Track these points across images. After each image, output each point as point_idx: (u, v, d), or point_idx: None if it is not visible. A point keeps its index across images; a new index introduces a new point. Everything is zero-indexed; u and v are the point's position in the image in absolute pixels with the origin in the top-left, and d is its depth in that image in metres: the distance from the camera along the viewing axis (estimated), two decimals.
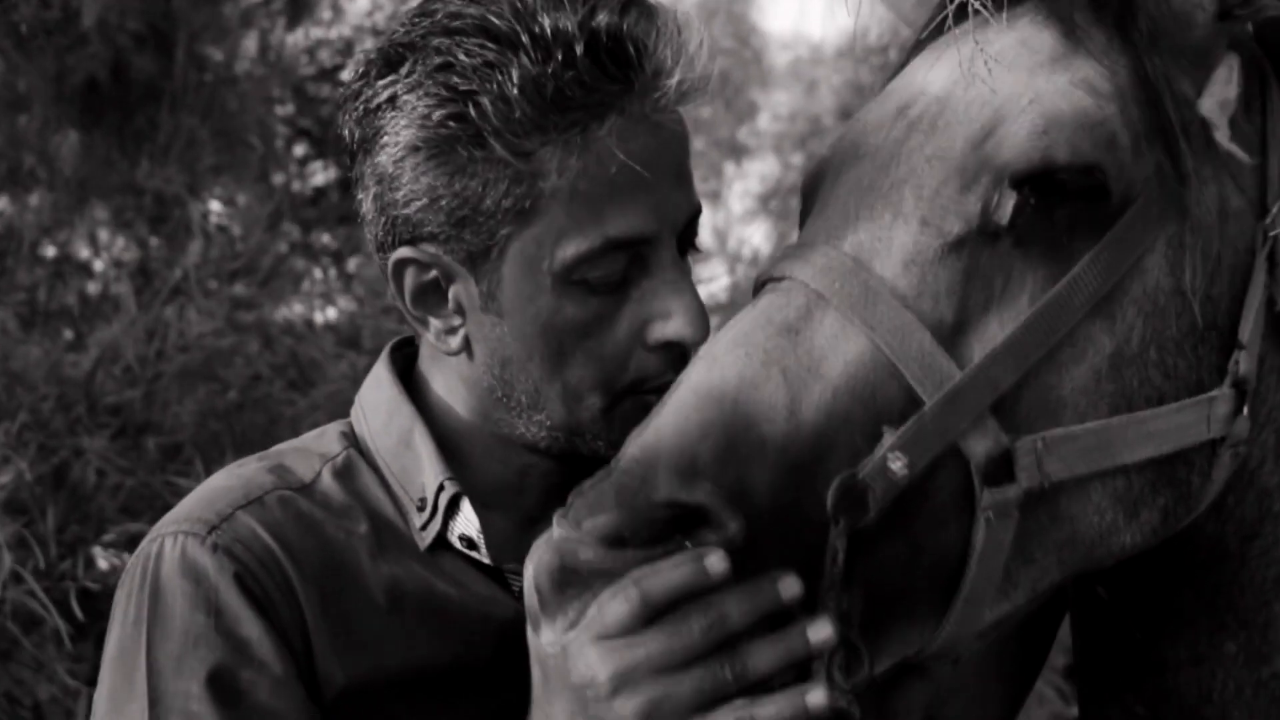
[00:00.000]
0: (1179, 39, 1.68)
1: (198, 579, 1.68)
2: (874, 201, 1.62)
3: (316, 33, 7.76)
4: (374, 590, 1.75)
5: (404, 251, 1.77)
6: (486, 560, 1.79)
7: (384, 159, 1.75)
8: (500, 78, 1.66)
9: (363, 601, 1.74)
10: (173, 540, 1.72)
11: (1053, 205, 1.59)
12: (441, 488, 1.78)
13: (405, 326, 1.94)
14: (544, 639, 1.49)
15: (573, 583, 1.45)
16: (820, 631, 1.43)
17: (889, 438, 1.49)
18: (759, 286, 1.67)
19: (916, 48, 1.82)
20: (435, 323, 1.80)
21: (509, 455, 1.81)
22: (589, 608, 1.44)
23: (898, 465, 1.48)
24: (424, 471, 1.80)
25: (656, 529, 1.45)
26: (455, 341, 1.79)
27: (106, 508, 4.86)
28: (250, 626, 1.67)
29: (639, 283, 1.74)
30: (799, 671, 1.46)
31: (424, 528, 1.80)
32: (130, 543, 4.62)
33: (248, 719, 1.64)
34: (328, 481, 1.82)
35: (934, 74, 1.72)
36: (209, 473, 1.96)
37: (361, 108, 1.78)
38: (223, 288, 5.97)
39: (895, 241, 1.58)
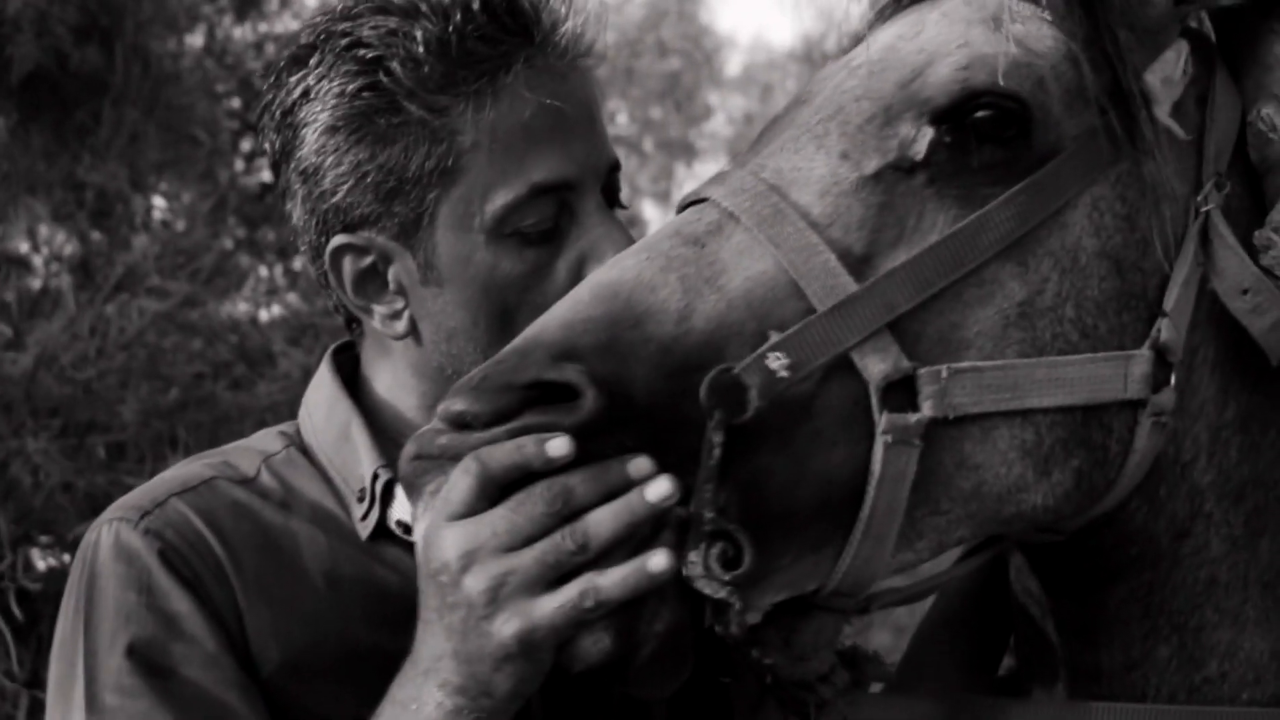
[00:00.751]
0: (1136, 16, 1.71)
1: (129, 560, 1.71)
2: (800, 135, 1.65)
3: (264, 26, 7.69)
4: (312, 573, 1.77)
5: (339, 239, 1.79)
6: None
7: (306, 152, 1.78)
8: (406, 42, 1.72)
9: (300, 583, 1.76)
10: (108, 527, 1.75)
11: (970, 146, 1.61)
12: (376, 475, 1.79)
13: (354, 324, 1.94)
14: (415, 535, 1.50)
15: (429, 469, 1.46)
16: (658, 488, 1.40)
17: (773, 339, 1.49)
18: (681, 208, 1.67)
19: (879, 17, 1.85)
20: (379, 309, 1.82)
21: None
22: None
23: (778, 364, 1.47)
24: (361, 463, 1.82)
25: (504, 409, 1.43)
26: (400, 325, 1.81)
27: (47, 508, 4.78)
28: (180, 602, 1.69)
29: (570, 232, 1.77)
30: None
31: (364, 517, 1.81)
32: (76, 545, 4.54)
33: (179, 691, 1.66)
34: (267, 476, 1.84)
35: (884, 31, 1.77)
36: (157, 472, 1.95)
37: (278, 112, 1.82)
38: (166, 284, 5.88)
39: (814, 172, 1.60)
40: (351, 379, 1.92)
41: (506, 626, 1.40)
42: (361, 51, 1.74)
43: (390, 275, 1.80)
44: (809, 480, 1.51)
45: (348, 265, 1.80)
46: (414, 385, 1.85)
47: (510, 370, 1.45)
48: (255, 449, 1.89)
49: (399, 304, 1.80)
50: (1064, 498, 1.65)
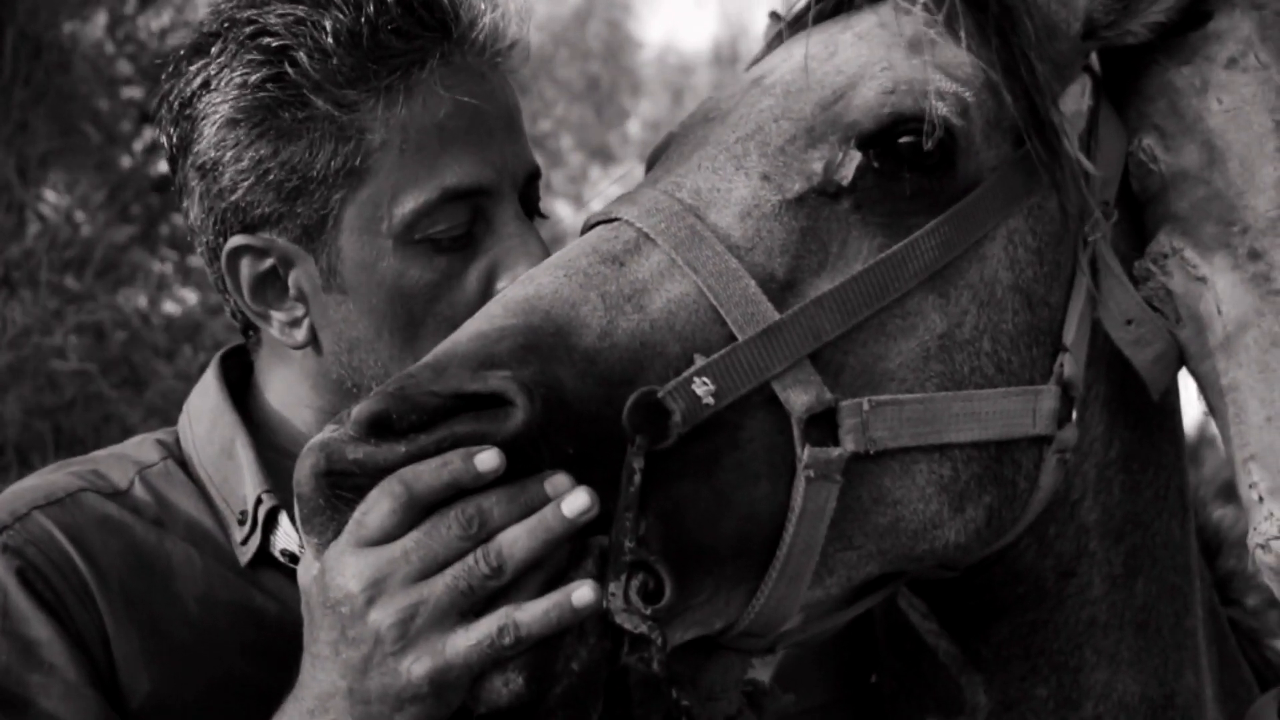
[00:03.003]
0: (1047, 48, 1.71)
1: None
2: (717, 154, 1.60)
3: (170, 15, 7.50)
4: (185, 599, 1.65)
5: (237, 240, 1.68)
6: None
7: (204, 146, 1.67)
8: (315, 32, 1.63)
9: (173, 608, 1.64)
10: None
11: (896, 172, 1.58)
12: (260, 500, 1.68)
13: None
14: (306, 562, 1.39)
15: (340, 486, 1.34)
16: (574, 502, 1.31)
17: (699, 362, 1.43)
18: (586, 229, 1.61)
19: (778, 38, 1.83)
20: (277, 315, 1.71)
21: None
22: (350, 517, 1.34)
23: (703, 390, 1.41)
24: (244, 483, 1.70)
25: (427, 416, 1.33)
26: (300, 334, 1.70)
27: None
28: (40, 628, 1.56)
29: (484, 240, 1.68)
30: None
31: (244, 542, 1.69)
32: None
33: None
34: (140, 491, 1.71)
35: (793, 50, 1.73)
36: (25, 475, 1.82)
37: (176, 103, 1.70)
38: (55, 279, 5.71)
39: (734, 193, 1.56)
40: (240, 386, 1.81)
41: (417, 665, 1.29)
42: (267, 40, 1.64)
43: (291, 280, 1.69)
44: (729, 513, 1.45)
45: (245, 268, 1.69)
46: (310, 399, 1.74)
47: (428, 382, 1.35)
48: (130, 458, 1.75)
49: (298, 311, 1.70)
50: (975, 535, 1.63)
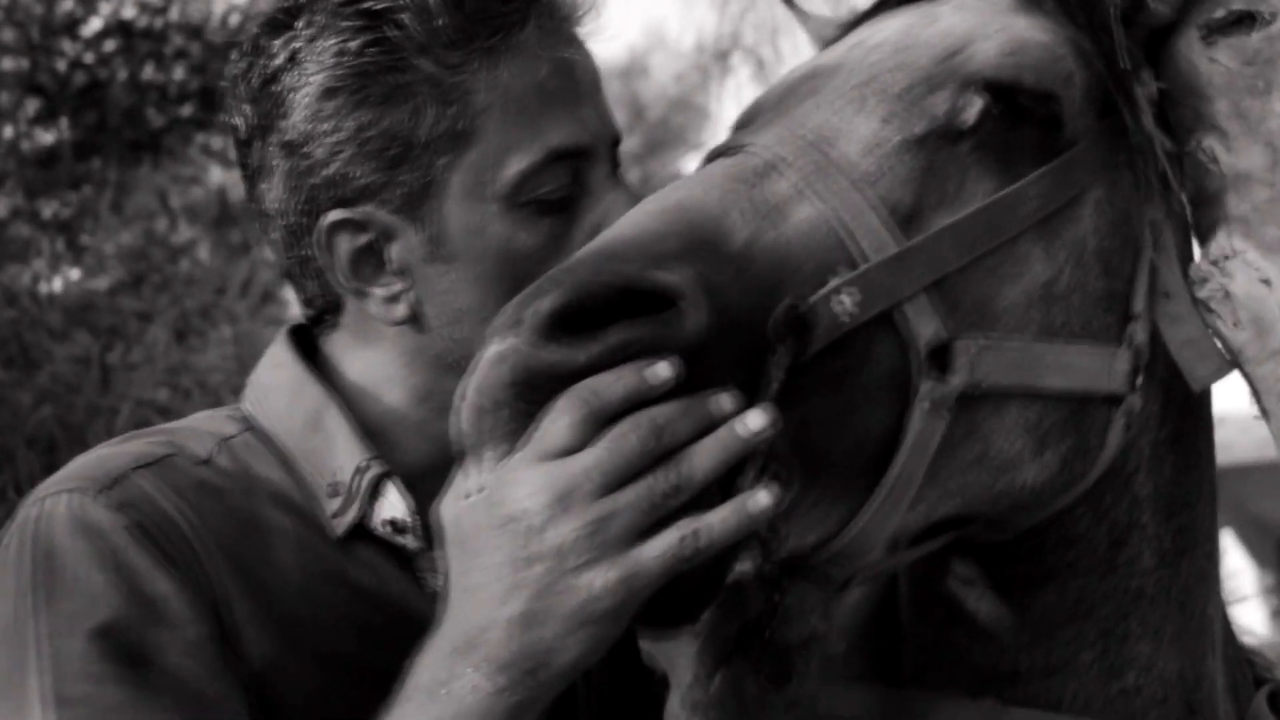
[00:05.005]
0: (1124, 31, 1.76)
1: (93, 536, 1.50)
2: (834, 100, 1.65)
3: None
4: (286, 568, 1.60)
5: (335, 214, 1.63)
6: (414, 545, 1.65)
7: (295, 120, 1.62)
8: None
9: (276, 577, 1.59)
10: (58, 499, 1.53)
11: (1013, 122, 1.65)
12: (362, 468, 1.64)
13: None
14: (466, 487, 1.38)
15: (525, 397, 1.34)
16: (755, 420, 1.34)
17: (843, 275, 1.48)
18: (709, 160, 1.64)
19: (853, 25, 1.87)
20: (376, 291, 1.66)
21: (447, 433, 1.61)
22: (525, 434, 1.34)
23: (840, 308, 1.46)
24: (337, 454, 1.66)
25: (602, 307, 1.33)
26: (400, 309, 1.66)
27: None
28: (159, 584, 1.50)
29: (582, 201, 1.66)
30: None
31: (337, 514, 1.64)
32: None
33: (158, 683, 1.46)
34: (224, 460, 1.64)
35: (884, 24, 1.78)
36: None
37: (257, 81, 1.64)
38: None
39: (857, 131, 1.61)
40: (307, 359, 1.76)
41: (605, 577, 1.30)
42: (366, 4, 1.59)
43: (391, 254, 1.64)
44: (846, 431, 1.50)
45: (343, 244, 1.64)
46: (403, 377, 1.69)
47: (596, 272, 1.35)
48: (205, 431, 1.68)
49: (398, 286, 1.65)
50: (1049, 481, 1.69)
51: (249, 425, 1.70)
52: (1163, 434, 1.82)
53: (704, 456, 1.33)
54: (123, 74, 7.42)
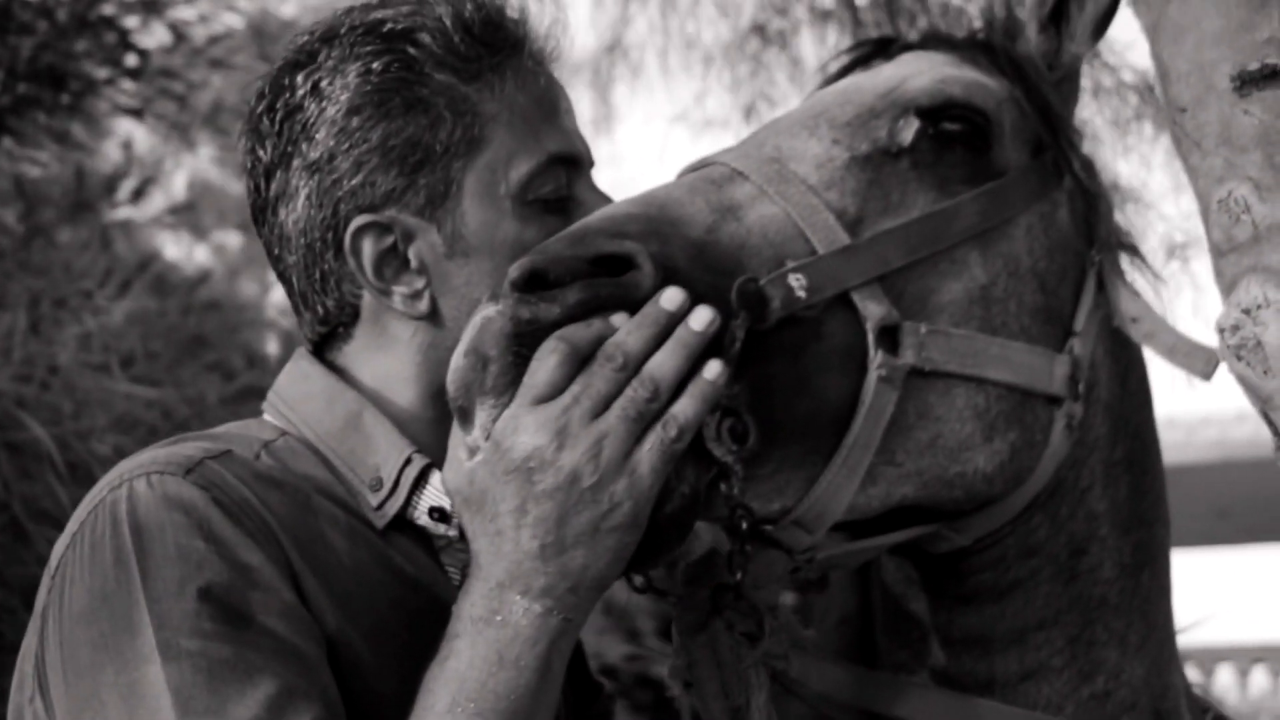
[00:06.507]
0: (1053, 88, 2.04)
1: (186, 509, 1.61)
2: (789, 127, 1.88)
3: None
4: (341, 550, 1.72)
5: (360, 220, 1.78)
6: (454, 533, 1.76)
7: (320, 138, 1.77)
8: (431, 14, 1.80)
9: (334, 557, 1.71)
10: (145, 481, 1.63)
11: (946, 143, 1.87)
12: (408, 461, 1.75)
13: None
14: (468, 440, 1.57)
15: (520, 345, 1.54)
16: (701, 316, 1.56)
17: (791, 264, 1.68)
18: (680, 176, 1.84)
19: (836, 75, 2.13)
20: (399, 289, 1.80)
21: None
22: (514, 385, 1.54)
23: (797, 283, 1.65)
24: (379, 450, 1.77)
25: (570, 275, 1.56)
26: (423, 305, 1.80)
27: None
28: (250, 553, 1.61)
29: (573, 205, 1.84)
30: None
31: (380, 506, 1.76)
32: None
33: (261, 641, 1.57)
34: (268, 460, 1.75)
35: (838, 84, 2.04)
36: None
37: (281, 111, 1.79)
38: None
39: (810, 150, 1.83)
40: None
41: (614, 487, 1.51)
42: (387, 27, 1.78)
43: (412, 253, 1.79)
44: (805, 397, 1.67)
45: (368, 247, 1.78)
46: (417, 376, 1.81)
47: (570, 246, 1.58)
48: (243, 436, 1.78)
49: (419, 283, 1.79)
50: (999, 468, 1.83)
51: (283, 431, 1.81)
52: (1116, 455, 1.97)
53: (666, 356, 1.54)
54: None
